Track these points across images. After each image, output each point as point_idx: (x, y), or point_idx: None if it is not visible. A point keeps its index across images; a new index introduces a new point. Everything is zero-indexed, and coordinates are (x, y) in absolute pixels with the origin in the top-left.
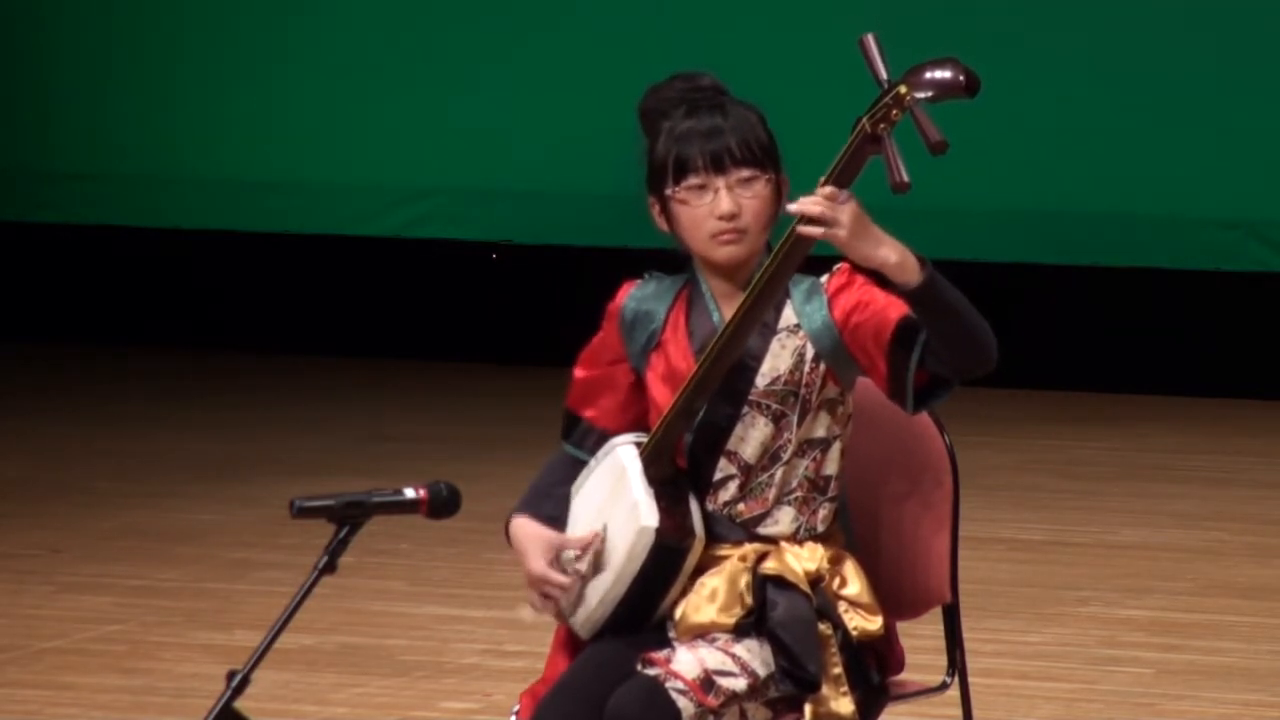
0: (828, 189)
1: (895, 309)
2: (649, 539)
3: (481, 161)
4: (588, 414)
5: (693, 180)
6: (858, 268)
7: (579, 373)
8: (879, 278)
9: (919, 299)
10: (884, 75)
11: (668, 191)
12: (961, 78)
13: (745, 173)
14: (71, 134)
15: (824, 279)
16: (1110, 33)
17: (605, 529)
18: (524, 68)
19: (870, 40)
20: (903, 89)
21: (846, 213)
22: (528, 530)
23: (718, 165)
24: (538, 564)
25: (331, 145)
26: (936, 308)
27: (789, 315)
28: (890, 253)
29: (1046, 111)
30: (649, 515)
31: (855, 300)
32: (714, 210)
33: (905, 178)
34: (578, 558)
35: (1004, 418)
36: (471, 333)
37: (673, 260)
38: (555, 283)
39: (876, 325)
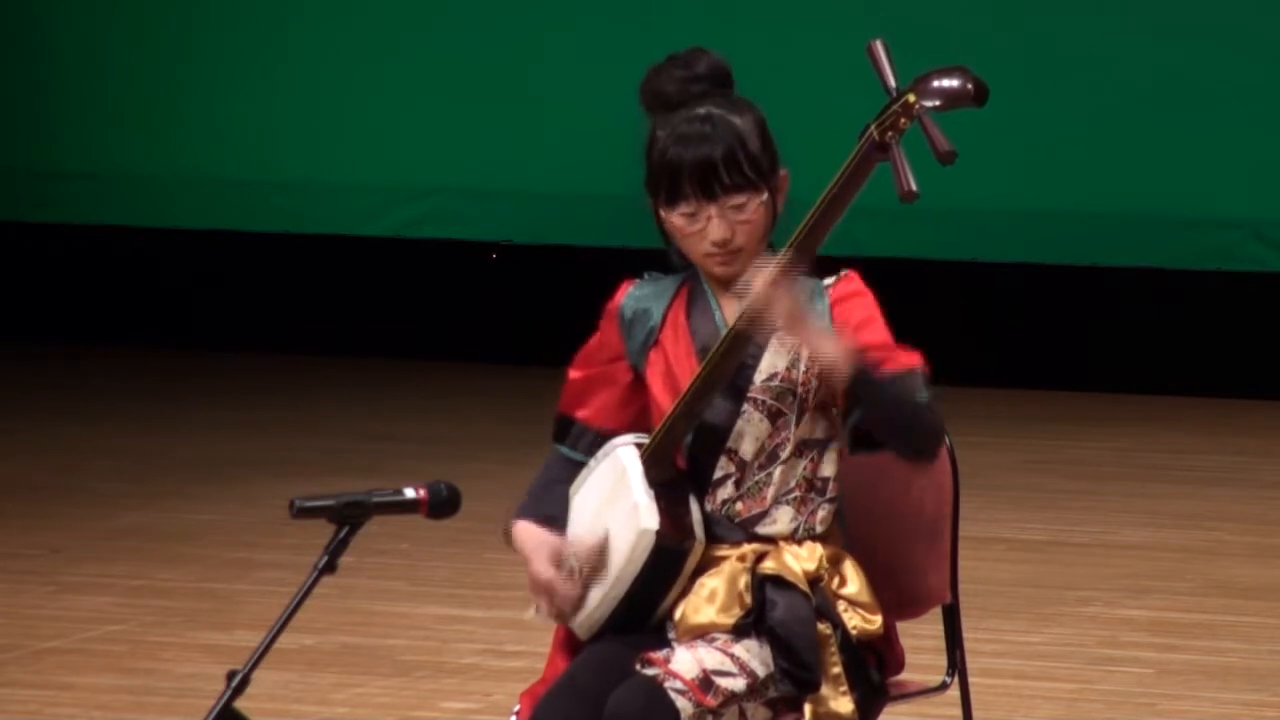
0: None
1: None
2: (649, 541)
3: (481, 161)
4: (581, 414)
5: (684, 208)
6: (862, 278)
7: (573, 374)
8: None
9: (850, 391)
10: (892, 83)
11: (661, 212)
12: (970, 87)
13: (737, 199)
14: (71, 134)
15: (828, 282)
16: (1110, 33)
17: (605, 534)
18: (524, 68)
19: (879, 46)
20: (911, 98)
21: (785, 299)
22: (531, 534)
23: (708, 193)
24: (544, 569)
25: (331, 145)
26: (869, 401)
27: None
28: (823, 346)
29: (1047, 112)
30: (649, 518)
31: (847, 318)
32: (706, 235)
33: (914, 187)
34: (581, 564)
35: (1004, 418)
36: (471, 333)
37: (672, 260)
38: (555, 283)
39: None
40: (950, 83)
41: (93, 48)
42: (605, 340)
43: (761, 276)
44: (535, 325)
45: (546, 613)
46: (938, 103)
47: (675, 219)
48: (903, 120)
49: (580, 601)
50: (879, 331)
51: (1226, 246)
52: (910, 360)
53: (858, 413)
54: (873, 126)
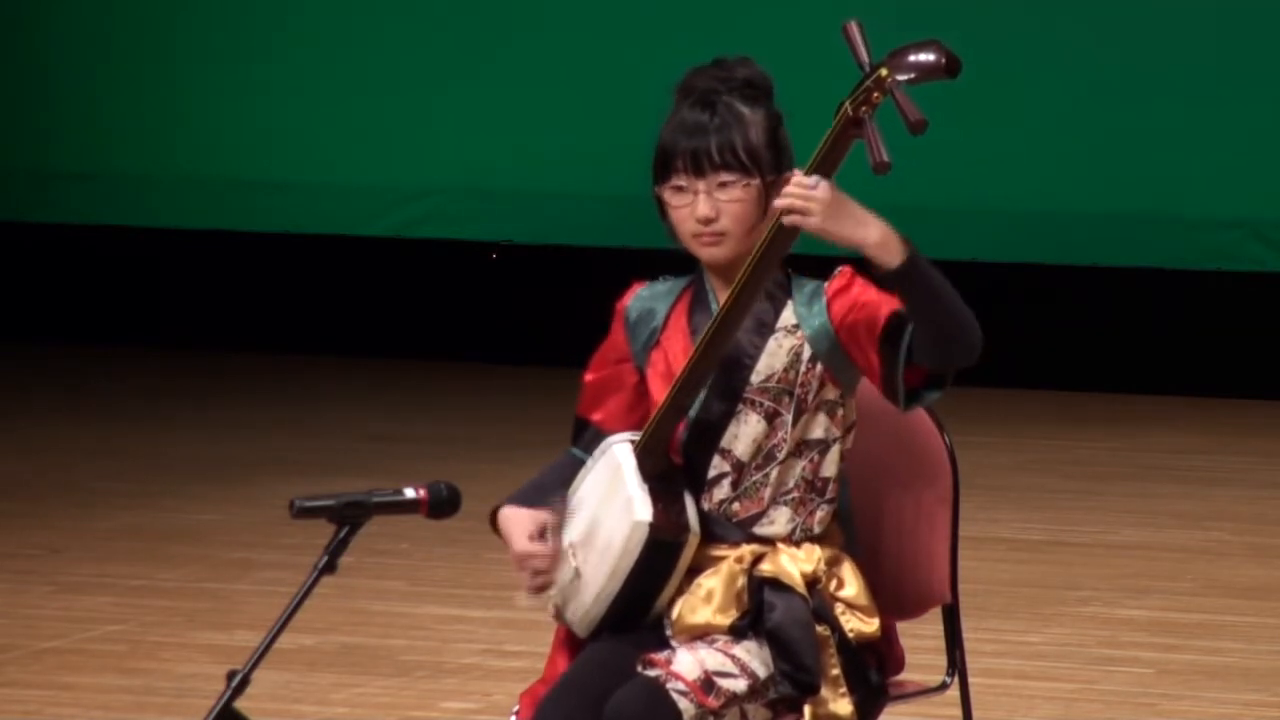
0: (796, 176)
1: (888, 305)
2: (643, 533)
3: (481, 161)
4: (596, 417)
5: (674, 181)
6: (858, 271)
7: (588, 377)
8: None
9: (900, 279)
10: (866, 59)
11: (656, 189)
12: (942, 59)
13: (724, 177)
14: (71, 134)
15: (826, 283)
16: (1111, 32)
17: (601, 528)
18: (524, 68)
19: (853, 27)
20: (884, 71)
21: (818, 198)
22: (512, 515)
23: (697, 168)
24: (520, 542)
25: (331, 145)
26: (918, 290)
27: (788, 315)
28: (871, 232)
29: (1047, 111)
30: (643, 510)
31: (852, 300)
32: (693, 212)
33: (886, 157)
34: (575, 551)
35: (1004, 418)
36: (471, 333)
37: (683, 260)
38: (555, 283)
39: (869, 321)
40: (923, 56)
41: (92, 48)
42: (613, 342)
43: (786, 187)
44: (535, 325)
45: (531, 590)
46: (911, 76)
47: (666, 193)
48: (875, 94)
49: (572, 592)
50: (884, 296)
51: (1226, 246)
52: None
53: (903, 348)
54: (847, 103)
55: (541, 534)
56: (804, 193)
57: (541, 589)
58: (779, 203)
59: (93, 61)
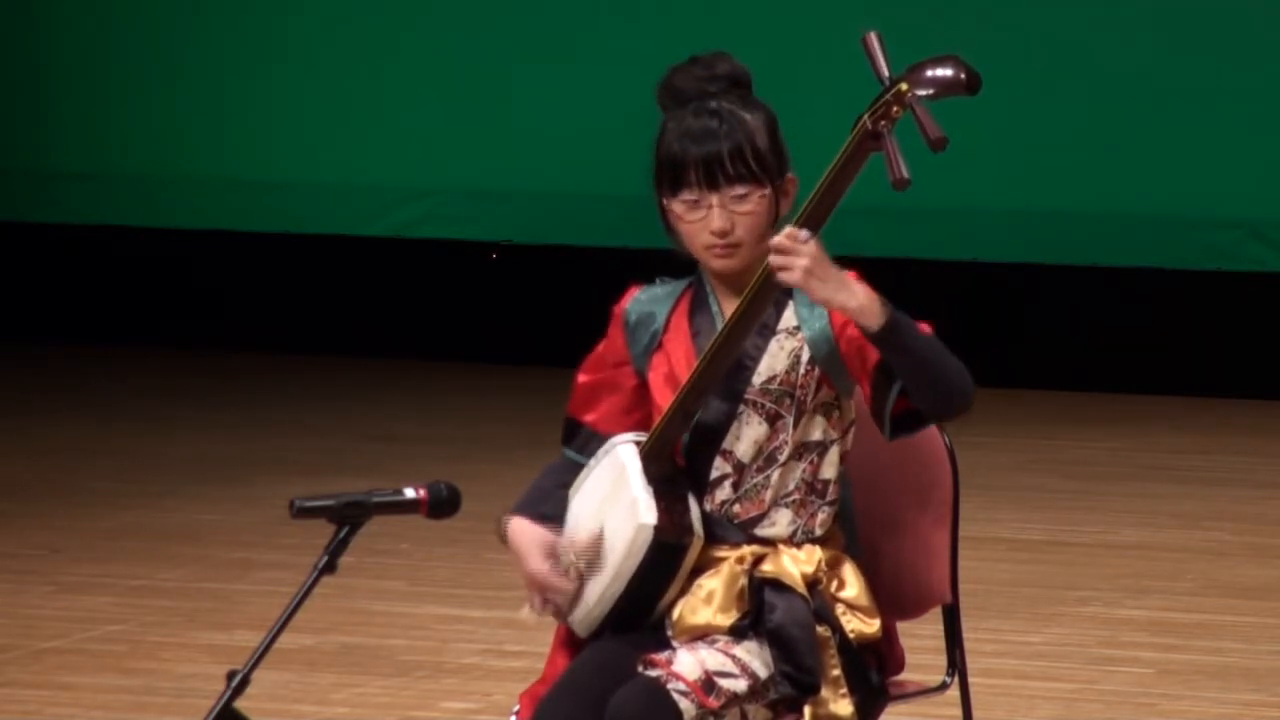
0: (789, 229)
1: None
2: (648, 536)
3: (481, 161)
4: (589, 418)
5: (686, 195)
6: (861, 277)
7: (582, 378)
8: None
9: (880, 343)
10: (885, 73)
11: (664, 201)
12: (962, 75)
13: (739, 189)
14: (71, 134)
15: None
16: (1110, 33)
17: (604, 529)
18: (524, 68)
19: (873, 38)
20: (903, 86)
21: (806, 252)
22: (525, 531)
23: (711, 182)
24: (537, 565)
25: (331, 145)
26: (898, 352)
27: (789, 317)
28: (849, 298)
29: (1047, 112)
30: (648, 513)
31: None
32: (707, 225)
33: (905, 174)
34: (578, 559)
35: (1004, 418)
36: (471, 333)
37: (681, 261)
38: (555, 283)
39: (865, 346)
40: (943, 71)
41: (92, 48)
42: (611, 345)
43: (778, 235)
44: (535, 325)
45: (540, 609)
46: (930, 91)
47: (677, 206)
48: (895, 109)
49: (577, 597)
50: None
51: (1226, 246)
52: (925, 327)
53: (896, 385)
54: (866, 116)
55: (554, 556)
56: (793, 245)
57: (549, 612)
58: (772, 260)
59: (93, 61)
